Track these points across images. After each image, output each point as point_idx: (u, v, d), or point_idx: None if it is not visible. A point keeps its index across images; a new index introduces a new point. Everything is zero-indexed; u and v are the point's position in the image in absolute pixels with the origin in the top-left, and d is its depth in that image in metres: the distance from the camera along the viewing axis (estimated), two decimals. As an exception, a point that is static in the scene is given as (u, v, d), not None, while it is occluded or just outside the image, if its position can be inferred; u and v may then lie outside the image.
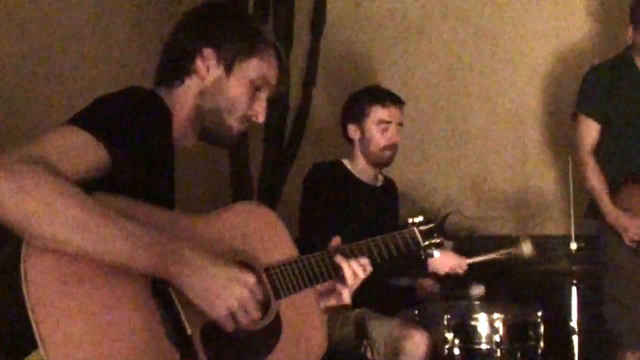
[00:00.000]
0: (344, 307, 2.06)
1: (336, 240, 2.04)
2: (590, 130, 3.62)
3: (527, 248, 3.13)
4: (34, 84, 3.45)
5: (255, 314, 1.68)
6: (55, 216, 1.45)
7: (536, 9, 4.38)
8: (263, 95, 1.95)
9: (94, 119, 1.64)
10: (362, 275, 2.01)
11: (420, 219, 2.23)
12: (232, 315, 1.64)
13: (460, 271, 3.18)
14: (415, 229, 2.21)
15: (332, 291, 2.02)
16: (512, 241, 3.20)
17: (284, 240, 1.94)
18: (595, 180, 3.57)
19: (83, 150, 1.58)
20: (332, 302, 2.02)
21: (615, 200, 3.51)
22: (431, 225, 2.25)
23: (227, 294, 1.62)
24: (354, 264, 2.00)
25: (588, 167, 3.59)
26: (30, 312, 1.41)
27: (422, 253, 2.23)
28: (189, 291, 1.59)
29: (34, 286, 1.42)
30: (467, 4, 4.54)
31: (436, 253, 2.25)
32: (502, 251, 3.19)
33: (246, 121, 1.94)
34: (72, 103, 3.41)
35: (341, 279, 1.99)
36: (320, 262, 1.96)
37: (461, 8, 4.54)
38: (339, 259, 1.98)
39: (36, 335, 1.40)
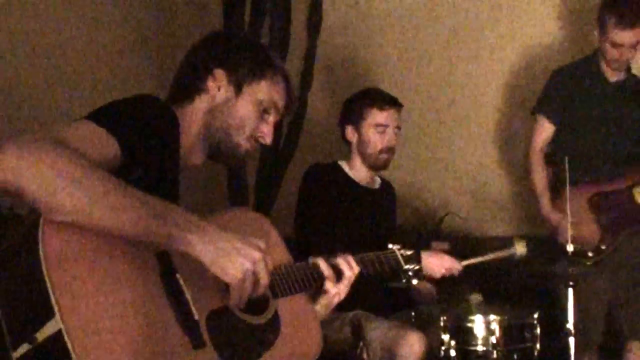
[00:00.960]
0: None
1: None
2: (544, 130, 3.70)
3: (520, 248, 3.14)
4: (33, 89, 3.45)
5: (266, 277, 1.69)
6: (75, 187, 1.48)
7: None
8: (271, 118, 2.03)
9: (108, 116, 1.70)
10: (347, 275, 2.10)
11: (400, 245, 2.36)
12: (244, 279, 1.65)
13: (456, 273, 3.18)
14: (397, 252, 2.34)
15: (319, 296, 2.10)
16: (506, 242, 3.21)
17: (277, 245, 2.01)
18: (538, 178, 3.65)
19: (97, 142, 1.63)
20: (317, 307, 2.09)
21: (555, 201, 3.56)
22: (412, 252, 2.37)
23: (241, 256, 1.64)
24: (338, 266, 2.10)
25: (534, 166, 3.69)
26: (48, 284, 1.43)
27: (403, 276, 2.31)
28: (203, 256, 1.61)
29: (51, 260, 1.46)
30: (460, 2, 4.56)
31: (414, 281, 2.34)
32: (496, 253, 3.20)
33: (254, 141, 2.01)
34: (72, 110, 3.43)
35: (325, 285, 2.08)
36: (311, 270, 2.05)
37: (456, 8, 4.56)
38: (322, 266, 2.08)
39: (53, 306, 1.42)
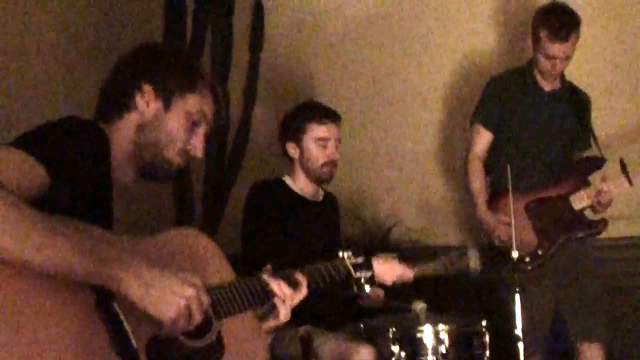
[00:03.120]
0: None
1: (267, 269, 2.08)
2: (481, 138, 3.75)
3: (473, 264, 3.14)
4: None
5: (199, 317, 1.68)
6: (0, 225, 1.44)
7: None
8: (201, 130, 2.00)
9: (35, 142, 1.67)
10: (297, 297, 2.07)
11: (350, 253, 2.32)
12: (178, 317, 1.63)
13: (408, 280, 3.18)
14: (347, 260, 2.31)
15: (271, 312, 2.05)
16: (460, 255, 3.22)
17: (220, 264, 1.97)
18: (475, 183, 3.69)
19: (23, 170, 1.60)
20: (271, 323, 2.05)
21: (493, 207, 3.61)
22: (362, 259, 2.35)
23: (174, 294, 1.62)
24: (285, 288, 2.04)
25: (472, 172, 3.73)
26: None
27: (354, 285, 2.30)
28: (134, 295, 1.59)
29: None
30: (399, 14, 4.61)
31: (367, 287, 2.32)
32: (449, 266, 3.21)
33: (185, 155, 1.98)
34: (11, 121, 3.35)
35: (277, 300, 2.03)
36: (258, 286, 2.00)
37: (396, 22, 4.60)
38: (272, 283, 2.02)
39: None
